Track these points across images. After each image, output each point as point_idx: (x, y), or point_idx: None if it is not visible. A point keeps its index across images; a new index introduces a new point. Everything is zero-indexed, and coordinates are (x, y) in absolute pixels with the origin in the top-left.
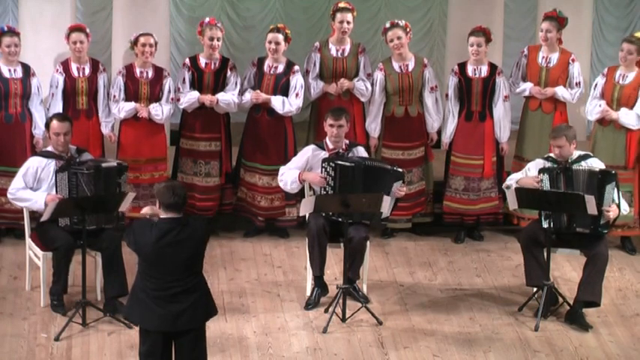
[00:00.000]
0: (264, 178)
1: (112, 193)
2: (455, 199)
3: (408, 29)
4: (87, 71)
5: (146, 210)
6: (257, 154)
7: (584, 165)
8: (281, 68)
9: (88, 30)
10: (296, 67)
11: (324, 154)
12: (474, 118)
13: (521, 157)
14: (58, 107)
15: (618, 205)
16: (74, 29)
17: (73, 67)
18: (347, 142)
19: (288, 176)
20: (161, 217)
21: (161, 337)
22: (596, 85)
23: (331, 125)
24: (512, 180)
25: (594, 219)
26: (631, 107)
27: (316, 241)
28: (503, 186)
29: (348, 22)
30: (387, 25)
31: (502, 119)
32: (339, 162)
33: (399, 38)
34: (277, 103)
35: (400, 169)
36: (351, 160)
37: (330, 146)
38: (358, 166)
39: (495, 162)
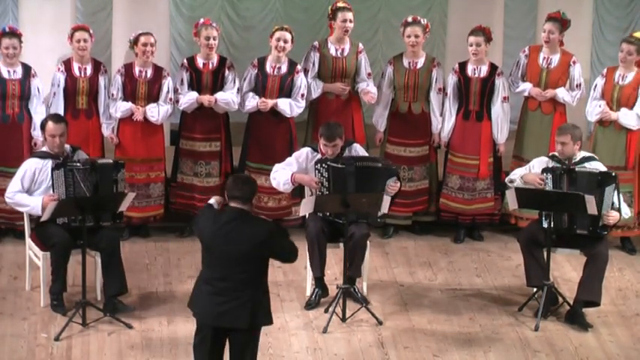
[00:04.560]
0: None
1: (112, 193)
2: (451, 197)
3: (427, 29)
4: (88, 71)
5: (212, 200)
6: (262, 156)
7: (588, 167)
8: (284, 68)
9: (91, 30)
10: (299, 67)
11: (319, 157)
12: (472, 117)
13: (520, 157)
14: (59, 106)
15: (619, 209)
16: (78, 29)
17: (75, 66)
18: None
19: (280, 176)
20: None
21: (211, 330)
22: (595, 85)
23: (325, 145)
24: (515, 175)
25: (593, 221)
26: (631, 107)
27: (315, 243)
28: (507, 179)
29: (350, 21)
30: (409, 19)
31: (500, 120)
32: (331, 163)
33: (416, 36)
34: (285, 106)
35: (393, 166)
36: (342, 162)
37: (330, 152)
38: (350, 166)
39: (492, 163)
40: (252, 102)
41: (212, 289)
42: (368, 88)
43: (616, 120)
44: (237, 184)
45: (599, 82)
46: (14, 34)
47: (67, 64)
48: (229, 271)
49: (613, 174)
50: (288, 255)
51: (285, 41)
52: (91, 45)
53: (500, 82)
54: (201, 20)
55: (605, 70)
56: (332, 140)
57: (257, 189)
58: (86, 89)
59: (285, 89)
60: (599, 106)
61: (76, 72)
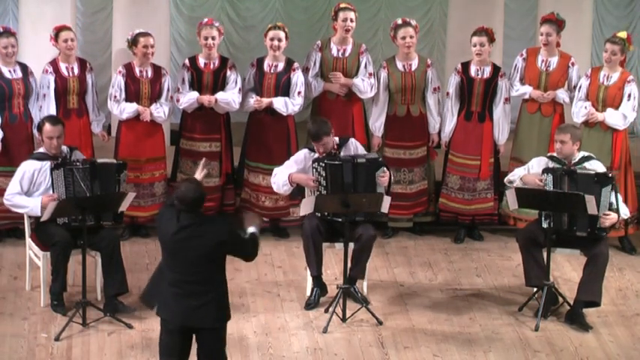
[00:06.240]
0: (268, 178)
1: (113, 193)
2: (450, 197)
3: (417, 30)
4: (76, 70)
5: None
6: (260, 155)
7: (588, 167)
8: (281, 67)
9: (73, 29)
10: (296, 65)
11: (317, 156)
12: (474, 118)
13: (519, 158)
14: (52, 108)
15: (617, 210)
16: (63, 28)
17: (62, 66)
18: (337, 140)
19: (279, 178)
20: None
21: (177, 329)
22: (580, 86)
23: (316, 146)
24: (515, 175)
25: (592, 222)
26: (616, 107)
27: (311, 242)
28: (505, 180)
29: (352, 20)
30: (399, 21)
31: (501, 121)
32: (328, 161)
33: (411, 37)
34: (280, 105)
35: (376, 156)
36: (339, 159)
37: (321, 149)
38: (347, 163)
39: (492, 163)
40: (250, 101)
41: (178, 290)
42: (353, 80)
43: (602, 121)
44: (180, 196)
45: (584, 82)
46: (10, 33)
47: (54, 64)
48: (193, 272)
49: (610, 174)
50: (250, 252)
51: (279, 39)
52: (77, 44)
53: (502, 84)
54: (205, 20)
55: (590, 70)
56: (319, 140)
57: (202, 198)
58: (76, 88)
59: (282, 87)
60: (585, 108)
61: (64, 72)
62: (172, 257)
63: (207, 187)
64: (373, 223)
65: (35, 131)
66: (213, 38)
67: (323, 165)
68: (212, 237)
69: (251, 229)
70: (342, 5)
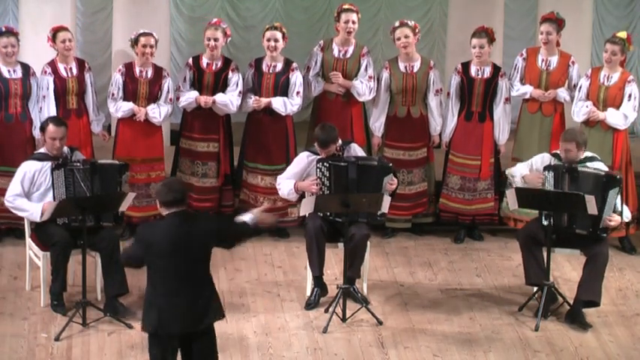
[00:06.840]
0: (267, 179)
1: (113, 193)
2: (451, 197)
3: (416, 30)
4: (75, 71)
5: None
6: (258, 155)
7: (590, 167)
8: (279, 67)
9: (71, 30)
10: (294, 65)
11: (319, 157)
12: (474, 118)
13: (519, 159)
14: (52, 109)
15: (621, 213)
16: (60, 29)
17: (61, 67)
18: (340, 142)
19: (284, 186)
20: (164, 214)
21: (168, 341)
22: (580, 86)
23: (321, 151)
24: (516, 172)
25: (594, 222)
26: (617, 108)
27: (314, 242)
28: (507, 172)
29: (354, 22)
30: (397, 24)
31: (502, 121)
32: (333, 162)
33: (406, 37)
34: (279, 105)
35: (389, 164)
36: (344, 160)
37: (324, 154)
38: (352, 165)
39: (493, 163)
40: (249, 101)
41: (174, 300)
42: (353, 82)
43: (603, 120)
44: (165, 189)
45: (584, 83)
46: (11, 32)
47: (52, 65)
48: (192, 273)
49: (618, 176)
50: (245, 233)
51: (276, 40)
52: (75, 44)
53: (503, 84)
54: (214, 20)
55: (590, 70)
56: (325, 147)
57: (187, 189)
58: (75, 89)
59: (281, 87)
60: (586, 107)
61: (63, 72)
62: (169, 262)
63: (204, 187)
64: (373, 225)
65: (38, 131)
66: (215, 39)
67: (327, 165)
68: (205, 231)
69: (245, 218)
70: (345, 7)
